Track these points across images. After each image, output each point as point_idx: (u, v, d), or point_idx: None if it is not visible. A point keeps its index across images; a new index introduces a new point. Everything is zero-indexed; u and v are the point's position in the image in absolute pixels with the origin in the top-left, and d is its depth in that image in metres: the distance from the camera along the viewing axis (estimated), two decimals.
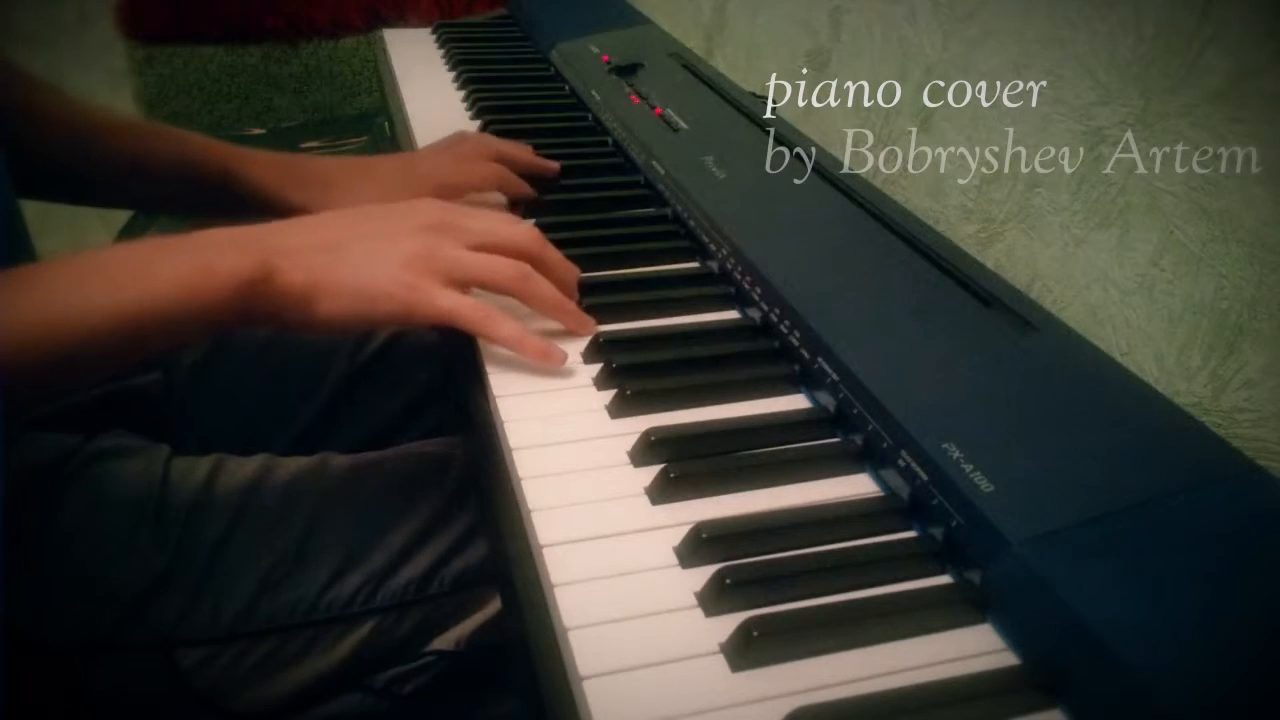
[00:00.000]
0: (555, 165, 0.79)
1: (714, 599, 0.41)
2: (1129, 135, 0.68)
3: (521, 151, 0.79)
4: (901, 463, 0.46)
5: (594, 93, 0.92)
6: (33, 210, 0.67)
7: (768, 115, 0.83)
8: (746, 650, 0.38)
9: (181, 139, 0.72)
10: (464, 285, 0.56)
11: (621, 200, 0.77)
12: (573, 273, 0.61)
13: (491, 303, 0.57)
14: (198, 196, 0.73)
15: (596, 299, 0.62)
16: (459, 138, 0.80)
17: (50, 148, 0.69)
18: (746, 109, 0.84)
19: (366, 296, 0.54)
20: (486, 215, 0.61)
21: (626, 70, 0.95)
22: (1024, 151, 0.78)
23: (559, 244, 0.61)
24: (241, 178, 0.72)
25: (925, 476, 0.45)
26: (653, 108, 0.86)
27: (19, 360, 0.45)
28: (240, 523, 0.62)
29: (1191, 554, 0.40)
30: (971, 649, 0.40)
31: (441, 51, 1.12)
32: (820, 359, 0.53)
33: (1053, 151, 0.75)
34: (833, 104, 1.05)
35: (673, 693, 0.37)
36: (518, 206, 0.76)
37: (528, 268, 0.57)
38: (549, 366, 0.56)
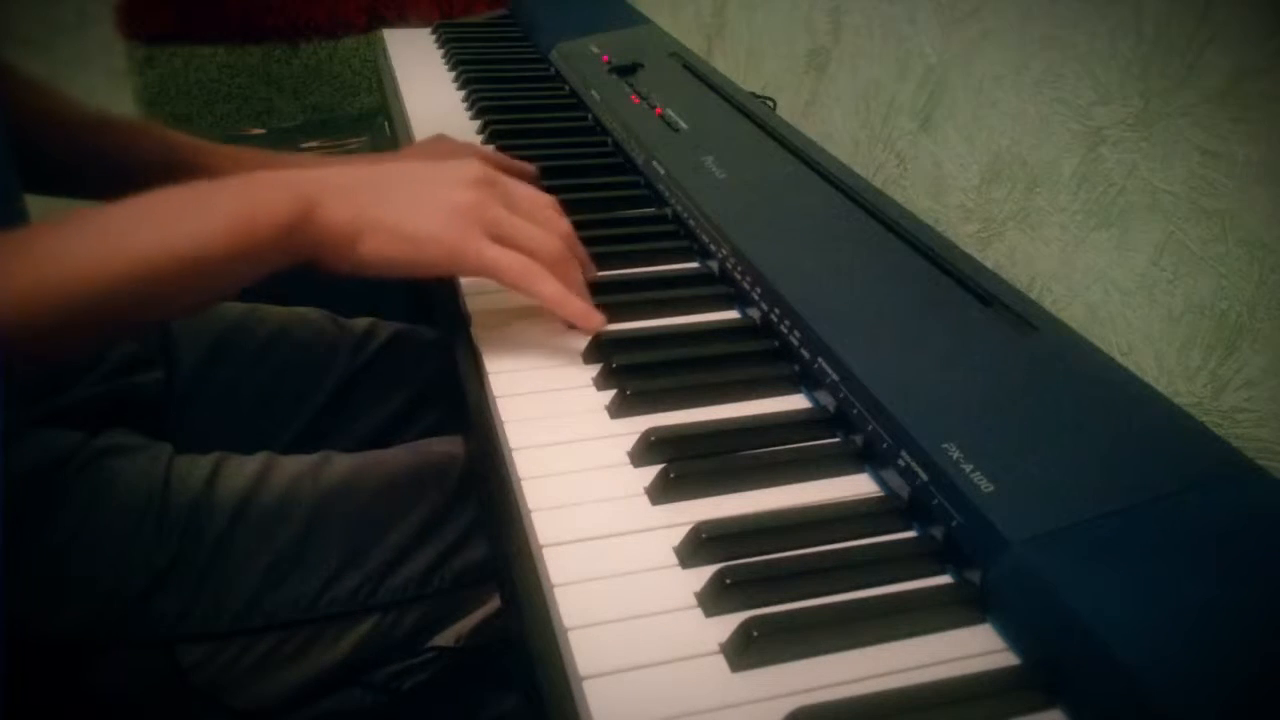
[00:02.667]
0: (531, 168, 0.79)
1: (714, 599, 0.41)
2: (1129, 135, 0.68)
3: (498, 155, 0.79)
4: (901, 463, 0.46)
5: (594, 93, 0.92)
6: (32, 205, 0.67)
7: (768, 115, 0.83)
8: (746, 650, 0.38)
9: (167, 138, 0.73)
10: (505, 245, 0.56)
11: (621, 200, 0.77)
12: (591, 273, 0.62)
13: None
14: None
15: (597, 299, 0.62)
16: (438, 138, 0.80)
17: (44, 143, 0.69)
18: (746, 109, 0.84)
19: (413, 239, 0.54)
20: (528, 186, 0.61)
21: (626, 70, 0.95)
22: (1024, 152, 0.78)
23: None
24: (215, 176, 0.72)
25: (925, 476, 0.45)
26: (653, 108, 0.86)
27: (66, 305, 0.45)
28: (241, 520, 0.62)
29: (1191, 554, 0.40)
30: (971, 649, 0.40)
31: (441, 51, 1.12)
32: (820, 359, 0.53)
33: (1053, 151, 0.75)
34: (833, 104, 1.05)
35: (673, 693, 0.37)
36: None
37: (565, 248, 0.58)
38: (588, 326, 0.57)
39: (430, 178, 0.57)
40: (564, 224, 0.59)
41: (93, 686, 0.60)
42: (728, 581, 0.41)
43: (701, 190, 0.70)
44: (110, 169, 0.72)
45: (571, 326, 0.58)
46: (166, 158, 0.72)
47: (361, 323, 0.85)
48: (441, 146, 0.78)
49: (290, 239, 0.52)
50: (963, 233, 0.85)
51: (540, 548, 0.44)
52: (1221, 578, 0.39)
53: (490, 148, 0.81)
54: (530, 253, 0.56)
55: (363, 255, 0.54)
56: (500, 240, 0.56)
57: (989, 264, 0.65)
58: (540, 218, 0.58)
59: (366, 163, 0.77)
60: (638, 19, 1.12)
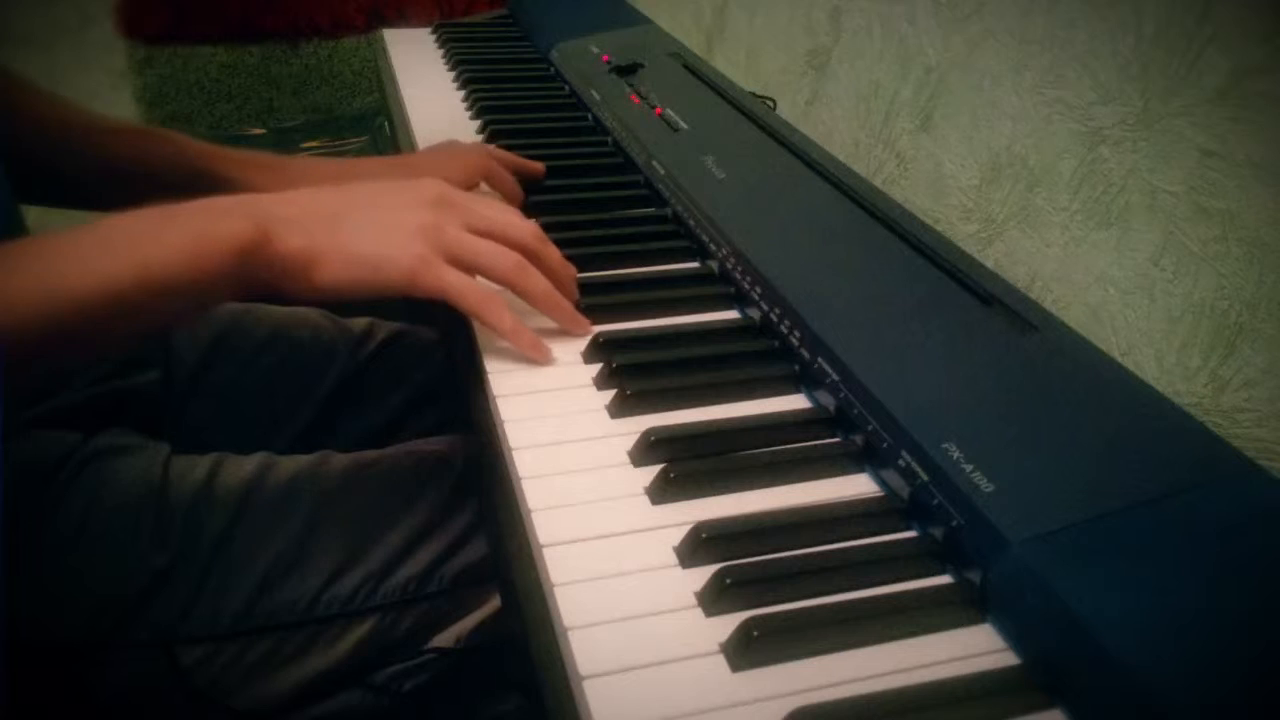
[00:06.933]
0: (540, 167, 0.79)
1: (714, 599, 0.41)
2: (1129, 135, 0.68)
3: (509, 155, 0.79)
4: (901, 463, 0.46)
5: (594, 93, 0.92)
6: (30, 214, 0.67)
7: (768, 115, 0.83)
8: (746, 650, 0.38)
9: (168, 141, 0.72)
10: (463, 268, 0.56)
11: (621, 200, 0.77)
12: (570, 272, 0.61)
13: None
14: (185, 198, 0.73)
15: (597, 299, 0.62)
16: (449, 143, 0.80)
17: (49, 152, 0.69)
18: (746, 109, 0.84)
19: (369, 263, 0.54)
20: (490, 202, 0.61)
21: (626, 70, 0.95)
22: (1024, 152, 0.78)
23: (559, 244, 0.61)
24: (225, 180, 0.72)
25: (925, 476, 0.45)
26: (653, 108, 0.86)
27: (19, 330, 0.45)
28: (240, 521, 0.62)
29: (1191, 554, 0.40)
30: (971, 649, 0.40)
31: (441, 51, 1.12)
32: (820, 359, 0.53)
33: (1053, 151, 0.75)
34: (833, 104, 1.05)
35: (673, 693, 0.37)
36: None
37: (524, 260, 0.58)
38: (536, 359, 0.56)
39: (387, 200, 0.57)
40: (524, 230, 0.59)
41: (93, 687, 0.60)
42: (728, 581, 0.41)
43: (701, 190, 0.70)
44: (110, 175, 0.72)
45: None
46: (175, 163, 0.72)
47: (360, 322, 0.85)
48: (450, 152, 0.78)
49: (244, 266, 0.51)
50: (963, 233, 0.85)
51: (540, 548, 0.44)
52: (1221, 577, 0.39)
53: (495, 147, 0.81)
54: (487, 271, 0.57)
55: (319, 281, 0.54)
56: (457, 264, 0.56)
57: (989, 264, 0.65)
58: (501, 230, 0.58)
59: (344, 170, 0.76)
60: (638, 19, 1.12)
